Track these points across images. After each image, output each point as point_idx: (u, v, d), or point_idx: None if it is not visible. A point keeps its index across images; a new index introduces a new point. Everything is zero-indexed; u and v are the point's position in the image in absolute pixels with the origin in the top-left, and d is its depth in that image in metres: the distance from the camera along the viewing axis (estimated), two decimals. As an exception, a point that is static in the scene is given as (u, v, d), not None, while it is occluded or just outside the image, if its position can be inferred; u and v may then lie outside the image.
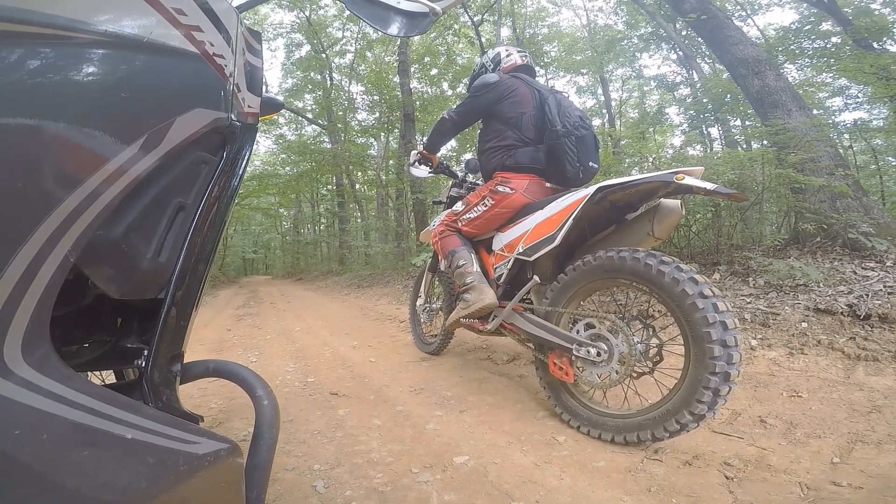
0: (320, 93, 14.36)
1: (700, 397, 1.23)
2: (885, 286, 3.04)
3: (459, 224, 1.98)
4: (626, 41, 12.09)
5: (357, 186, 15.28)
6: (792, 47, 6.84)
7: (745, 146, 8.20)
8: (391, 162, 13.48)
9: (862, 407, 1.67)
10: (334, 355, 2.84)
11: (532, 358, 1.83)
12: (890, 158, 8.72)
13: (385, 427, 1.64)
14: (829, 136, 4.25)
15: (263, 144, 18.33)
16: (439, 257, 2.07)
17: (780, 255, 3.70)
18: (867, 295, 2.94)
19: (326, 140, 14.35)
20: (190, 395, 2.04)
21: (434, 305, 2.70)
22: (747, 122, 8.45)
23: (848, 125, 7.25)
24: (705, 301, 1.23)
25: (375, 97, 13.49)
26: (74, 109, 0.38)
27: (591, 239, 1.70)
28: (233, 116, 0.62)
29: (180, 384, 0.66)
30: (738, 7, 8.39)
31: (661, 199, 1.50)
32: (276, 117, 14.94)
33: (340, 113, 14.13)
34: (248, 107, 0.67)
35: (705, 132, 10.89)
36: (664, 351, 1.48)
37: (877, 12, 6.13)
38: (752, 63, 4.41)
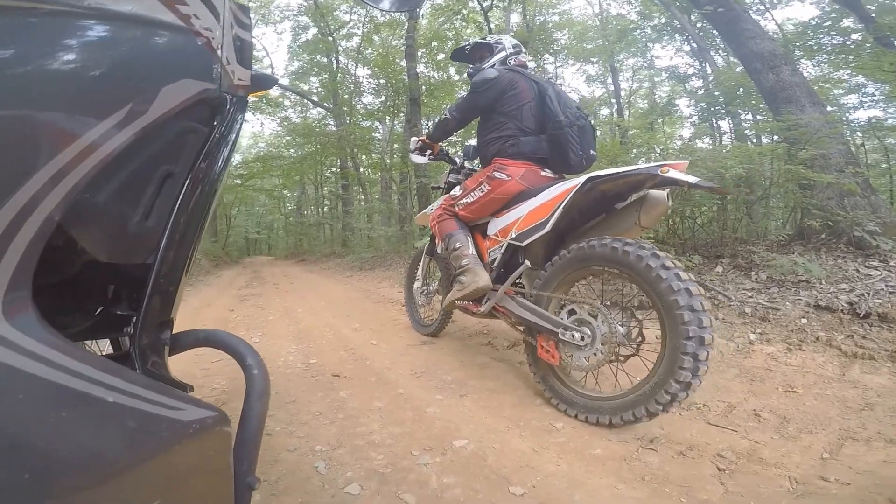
0: (326, 76, 14.15)
1: (682, 364, 1.29)
2: (886, 285, 3.03)
3: (457, 208, 2.04)
4: (638, 31, 11.83)
5: (361, 169, 15.18)
6: (810, 43, 6.68)
7: (755, 140, 8.08)
8: (396, 146, 13.39)
9: (855, 404, 1.70)
10: (336, 337, 2.88)
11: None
12: (901, 157, 8.55)
13: (386, 409, 1.68)
14: (842, 134, 4.18)
15: (268, 126, 18.23)
16: (437, 240, 2.16)
17: (784, 250, 3.69)
18: (868, 293, 2.94)
19: (332, 123, 14.22)
20: (194, 375, 2.08)
21: (432, 287, 2.74)
22: (759, 117, 8.31)
23: (862, 123, 7.11)
24: (668, 272, 1.34)
25: (381, 81, 13.33)
26: (61, 78, 0.40)
27: (582, 227, 1.75)
28: (223, 88, 0.63)
29: (172, 353, 0.67)
30: (758, 1, 8.13)
31: (649, 191, 1.55)
32: (279, 99, 14.80)
33: (346, 96, 13.98)
34: (239, 80, 0.68)
35: (715, 125, 10.70)
36: (647, 330, 1.53)
37: (901, 10, 5.92)
38: (767, 57, 4.33)
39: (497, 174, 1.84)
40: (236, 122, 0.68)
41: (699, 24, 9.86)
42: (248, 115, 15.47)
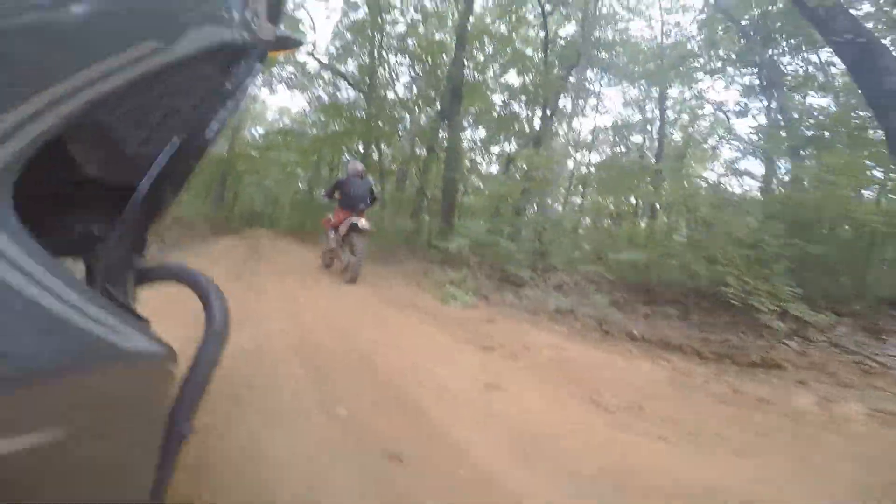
0: (366, 59, 13.52)
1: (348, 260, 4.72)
2: None
3: (331, 221, 5.15)
4: (701, 59, 11.17)
5: (381, 158, 14.47)
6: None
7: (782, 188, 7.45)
8: (416, 140, 12.88)
9: None
10: (362, 360, 2.05)
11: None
12: None
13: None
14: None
15: (297, 103, 17.78)
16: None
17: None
18: None
19: (362, 110, 13.60)
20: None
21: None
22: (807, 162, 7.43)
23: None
24: (357, 238, 4.63)
25: (418, 70, 12.78)
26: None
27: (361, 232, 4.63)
28: (245, 41, 0.61)
29: (139, 284, 0.65)
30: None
31: (360, 222, 4.56)
32: (313, 75, 14.13)
33: (380, 83, 13.43)
34: (264, 35, 0.67)
35: (777, 166, 9.79)
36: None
37: None
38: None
39: (339, 213, 4.99)
40: (251, 76, 0.67)
41: (777, 59, 9.22)
42: (281, 88, 15.20)
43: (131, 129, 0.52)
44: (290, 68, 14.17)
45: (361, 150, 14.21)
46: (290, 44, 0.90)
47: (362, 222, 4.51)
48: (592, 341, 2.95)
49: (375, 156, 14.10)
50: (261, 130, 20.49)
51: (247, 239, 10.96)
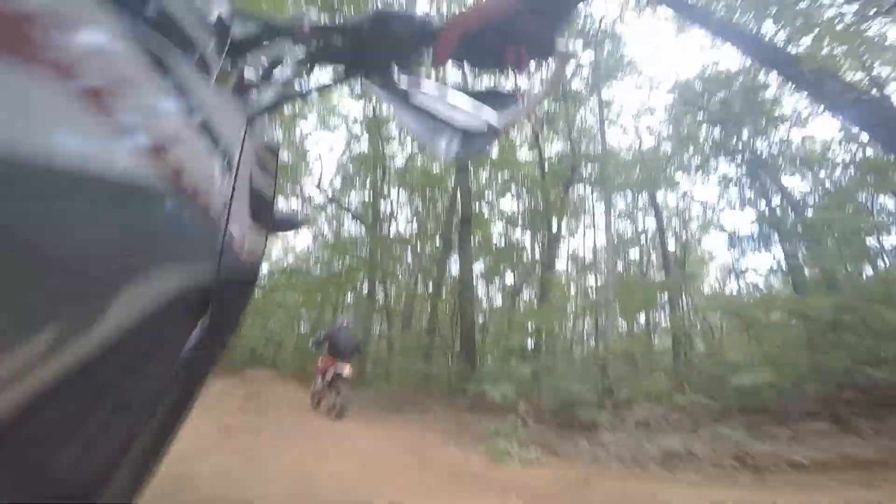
0: (369, 192, 14.22)
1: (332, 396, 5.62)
2: None
3: (318, 366, 5.99)
4: (681, 156, 11.74)
5: (386, 297, 14.13)
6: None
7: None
8: (419, 277, 12.81)
9: None
10: None
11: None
12: None
13: None
14: None
15: (302, 240, 18.37)
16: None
17: None
18: None
19: (366, 244, 13.80)
20: None
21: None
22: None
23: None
24: (338, 373, 5.50)
25: (420, 203, 13.30)
26: None
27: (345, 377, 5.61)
28: (223, 269, 0.42)
29: None
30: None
31: (344, 365, 5.46)
32: (316, 211, 14.79)
33: (383, 218, 13.92)
34: (248, 246, 0.48)
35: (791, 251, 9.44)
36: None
37: None
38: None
39: (325, 359, 5.85)
40: (238, 306, 0.50)
41: (759, 142, 9.62)
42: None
43: (68, 443, 0.33)
44: (295, 201, 14.47)
45: (366, 292, 13.86)
46: (290, 226, 0.79)
47: (346, 371, 5.37)
48: (757, 485, 2.18)
49: (381, 295, 13.72)
50: (265, 270, 20.61)
51: (247, 381, 9.82)
